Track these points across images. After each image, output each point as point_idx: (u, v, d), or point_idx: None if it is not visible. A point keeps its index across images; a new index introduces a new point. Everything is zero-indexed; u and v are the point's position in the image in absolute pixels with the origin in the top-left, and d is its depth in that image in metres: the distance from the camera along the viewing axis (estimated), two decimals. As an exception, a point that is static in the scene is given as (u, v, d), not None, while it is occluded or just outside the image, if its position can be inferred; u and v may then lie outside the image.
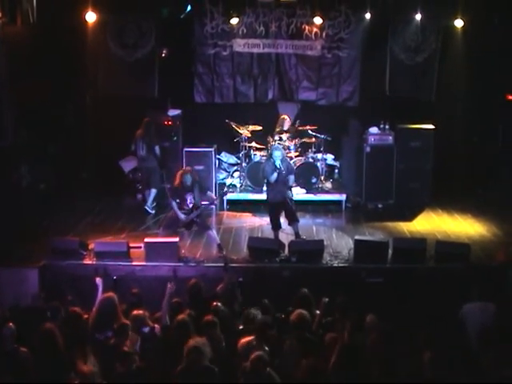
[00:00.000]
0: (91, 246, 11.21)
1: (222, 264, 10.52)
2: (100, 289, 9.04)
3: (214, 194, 12.94)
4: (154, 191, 13.81)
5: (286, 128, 14.65)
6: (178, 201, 11.45)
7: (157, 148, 13.75)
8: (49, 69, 13.52)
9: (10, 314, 8.47)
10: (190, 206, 11.42)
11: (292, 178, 11.83)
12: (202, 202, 11.65)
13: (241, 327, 8.20)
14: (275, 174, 11.46)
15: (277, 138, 14.41)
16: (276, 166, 11.46)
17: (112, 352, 7.35)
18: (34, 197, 13.46)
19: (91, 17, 13.49)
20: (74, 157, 14.80)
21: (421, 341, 7.36)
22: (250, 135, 14.59)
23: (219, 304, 8.49)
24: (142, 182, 14.39)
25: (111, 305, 8.28)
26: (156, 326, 8.14)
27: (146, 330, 8.00)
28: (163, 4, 14.49)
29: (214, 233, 11.78)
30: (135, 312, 8.22)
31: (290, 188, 11.87)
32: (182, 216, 11.42)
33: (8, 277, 10.47)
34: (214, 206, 13.46)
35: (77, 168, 15.00)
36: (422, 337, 7.44)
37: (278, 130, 14.65)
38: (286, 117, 14.83)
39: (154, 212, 13.68)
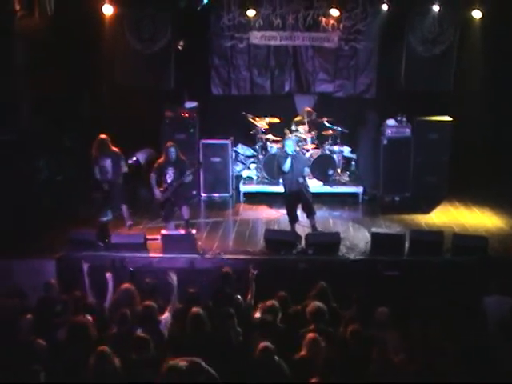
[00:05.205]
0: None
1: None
2: (110, 283, 9.02)
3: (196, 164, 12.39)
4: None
5: (308, 120, 14.60)
6: (156, 176, 11.41)
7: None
8: (66, 62, 13.54)
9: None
10: (169, 181, 11.34)
11: (307, 170, 12.03)
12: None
13: (257, 315, 8.11)
14: (288, 162, 11.41)
15: (294, 128, 14.43)
16: (288, 154, 11.45)
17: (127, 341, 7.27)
18: (52, 189, 13.50)
19: (108, 9, 13.65)
20: (91, 148, 14.75)
21: (437, 333, 7.35)
22: (267, 127, 14.58)
23: (239, 297, 8.52)
24: None
25: (129, 296, 8.31)
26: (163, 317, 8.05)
27: None
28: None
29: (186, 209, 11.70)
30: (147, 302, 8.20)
31: (304, 177, 11.78)
32: (157, 192, 11.39)
33: (25, 268, 10.52)
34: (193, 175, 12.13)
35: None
36: (438, 329, 7.43)
37: (297, 119, 14.64)
38: (309, 109, 14.80)
39: None
